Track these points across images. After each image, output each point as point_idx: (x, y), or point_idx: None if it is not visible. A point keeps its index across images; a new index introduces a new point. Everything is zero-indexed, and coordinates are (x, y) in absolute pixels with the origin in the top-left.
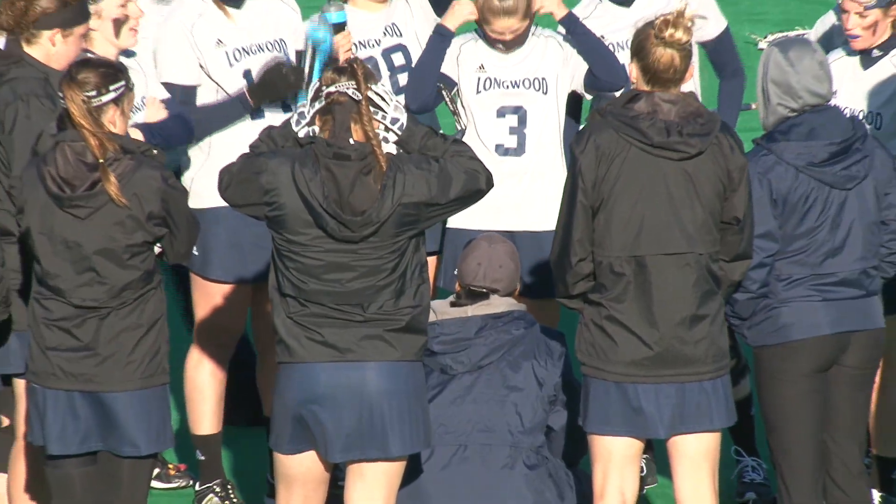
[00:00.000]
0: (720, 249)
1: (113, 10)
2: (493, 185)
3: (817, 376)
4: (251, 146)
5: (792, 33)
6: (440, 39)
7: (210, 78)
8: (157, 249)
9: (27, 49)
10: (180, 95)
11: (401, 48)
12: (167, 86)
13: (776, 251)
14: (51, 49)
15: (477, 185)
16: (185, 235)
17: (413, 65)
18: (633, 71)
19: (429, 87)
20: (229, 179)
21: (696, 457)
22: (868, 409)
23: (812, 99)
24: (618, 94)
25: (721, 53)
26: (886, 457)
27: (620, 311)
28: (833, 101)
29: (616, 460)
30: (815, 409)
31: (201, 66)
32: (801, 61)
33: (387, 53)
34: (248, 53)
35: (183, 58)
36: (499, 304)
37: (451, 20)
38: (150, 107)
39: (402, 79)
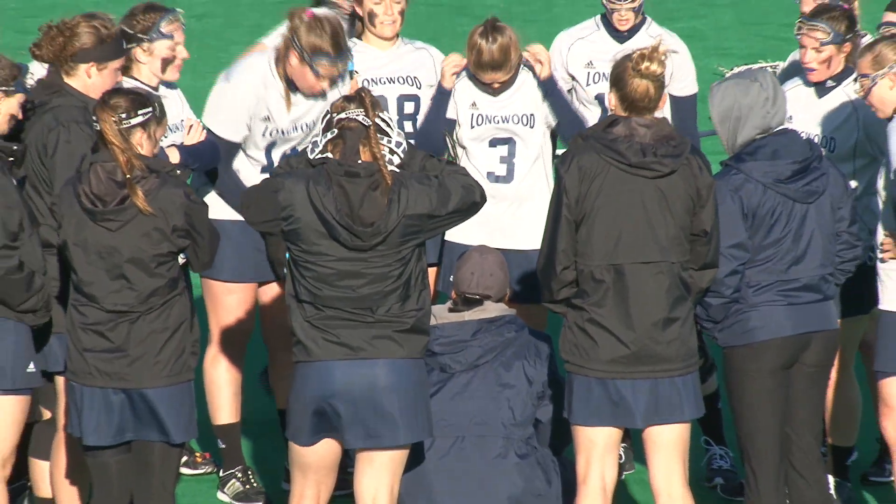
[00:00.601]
0: (690, 259)
1: (164, 50)
2: (486, 200)
3: (781, 373)
4: (272, 172)
5: (755, 66)
6: (441, 98)
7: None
8: (181, 259)
9: (66, 79)
10: (223, 148)
11: (415, 99)
12: (211, 133)
13: (747, 260)
14: (87, 80)
15: (473, 198)
16: (207, 245)
17: (419, 114)
18: (611, 99)
19: (437, 136)
20: (249, 200)
21: (669, 445)
22: (823, 403)
23: (783, 121)
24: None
25: (683, 110)
26: (841, 446)
27: (601, 314)
28: (790, 126)
29: (598, 449)
30: (779, 402)
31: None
32: (777, 89)
33: (402, 99)
34: (282, 134)
35: (236, 118)
36: (492, 310)
37: (446, 80)
38: (188, 131)
39: (408, 125)
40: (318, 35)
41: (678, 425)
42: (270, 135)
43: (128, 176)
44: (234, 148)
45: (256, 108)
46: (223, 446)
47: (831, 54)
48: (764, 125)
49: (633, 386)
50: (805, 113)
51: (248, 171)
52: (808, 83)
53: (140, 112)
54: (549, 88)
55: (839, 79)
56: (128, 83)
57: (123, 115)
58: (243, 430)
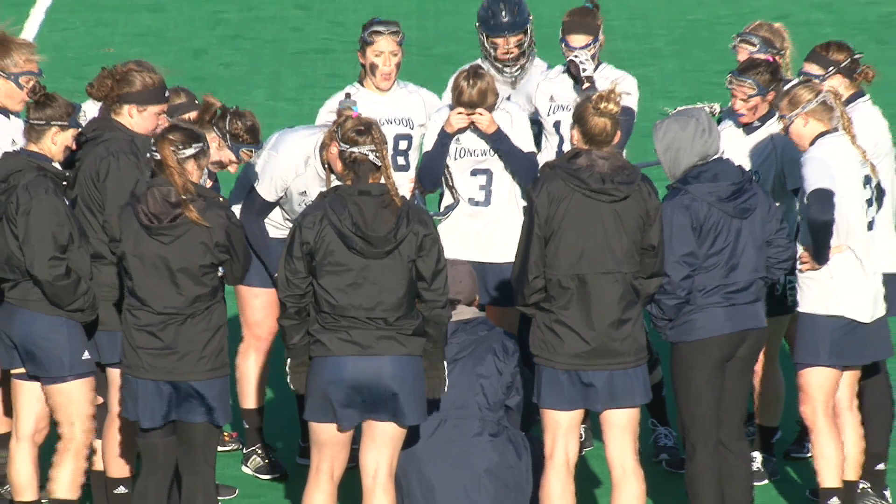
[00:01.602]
0: (639, 269)
1: (225, 159)
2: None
3: (721, 365)
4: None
5: (694, 107)
6: (443, 143)
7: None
8: (220, 272)
9: (114, 116)
10: (258, 203)
11: (408, 137)
12: (252, 190)
13: (696, 266)
14: (129, 119)
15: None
16: (241, 262)
17: (411, 150)
18: (574, 135)
19: (439, 174)
20: (281, 286)
21: (622, 426)
22: (748, 388)
23: (718, 150)
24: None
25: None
26: (767, 426)
27: (566, 316)
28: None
29: (562, 429)
30: (717, 390)
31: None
32: (711, 124)
33: (397, 138)
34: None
35: (276, 186)
36: (466, 313)
37: (450, 128)
38: None
39: (401, 159)
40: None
41: (630, 409)
42: (301, 206)
43: (183, 196)
44: (270, 205)
45: (295, 182)
46: (247, 426)
47: (757, 103)
48: (703, 153)
49: (593, 376)
50: (734, 149)
51: (277, 216)
52: (737, 124)
53: (193, 145)
54: (496, 142)
55: (763, 120)
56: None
57: (180, 146)
58: (266, 413)
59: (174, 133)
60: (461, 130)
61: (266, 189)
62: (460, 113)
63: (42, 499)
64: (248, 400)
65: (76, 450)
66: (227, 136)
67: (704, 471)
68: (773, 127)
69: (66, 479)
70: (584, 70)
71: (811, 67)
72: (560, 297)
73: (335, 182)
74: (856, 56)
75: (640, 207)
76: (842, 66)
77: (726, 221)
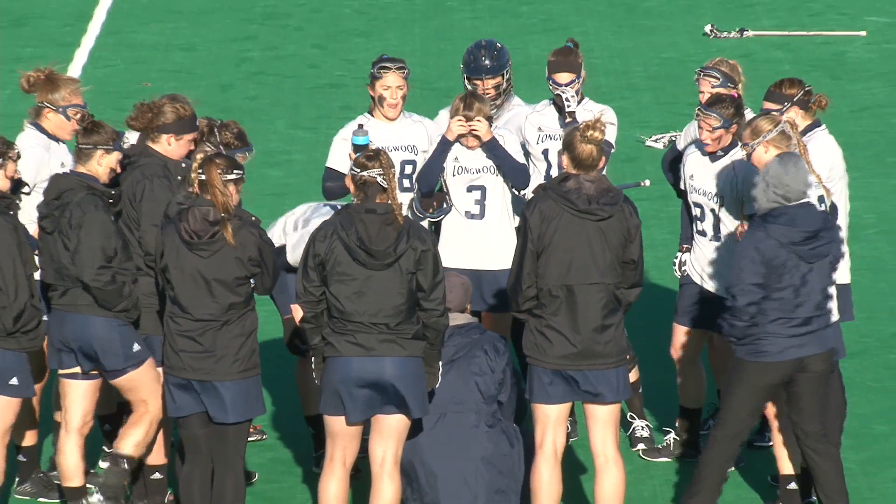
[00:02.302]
0: (621, 281)
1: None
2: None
3: (772, 388)
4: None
5: (667, 135)
6: (442, 148)
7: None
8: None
9: (150, 144)
10: (283, 264)
11: (412, 163)
12: (282, 251)
13: (763, 296)
14: (167, 147)
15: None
16: (270, 276)
17: (415, 174)
18: (564, 160)
19: (436, 178)
20: (302, 287)
21: (605, 419)
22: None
23: (802, 195)
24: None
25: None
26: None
27: (555, 321)
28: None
29: (551, 421)
30: (757, 408)
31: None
32: (798, 172)
33: (403, 163)
34: None
35: (296, 256)
36: (460, 318)
37: (450, 135)
38: None
39: (406, 182)
40: None
41: (611, 404)
42: None
43: (223, 215)
44: (294, 268)
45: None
46: (314, 432)
47: (721, 134)
48: (784, 201)
49: (578, 375)
50: (702, 172)
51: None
52: (703, 152)
53: (235, 171)
54: (490, 148)
55: (727, 150)
56: None
57: (224, 171)
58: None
59: (220, 159)
60: (459, 139)
61: (295, 260)
62: (460, 120)
63: (87, 484)
64: (312, 407)
65: (151, 419)
66: (221, 147)
67: (716, 458)
68: (735, 156)
69: (133, 440)
70: (569, 106)
71: (769, 105)
72: (550, 305)
73: None
74: (807, 88)
75: (622, 226)
76: (796, 99)
77: (795, 263)
